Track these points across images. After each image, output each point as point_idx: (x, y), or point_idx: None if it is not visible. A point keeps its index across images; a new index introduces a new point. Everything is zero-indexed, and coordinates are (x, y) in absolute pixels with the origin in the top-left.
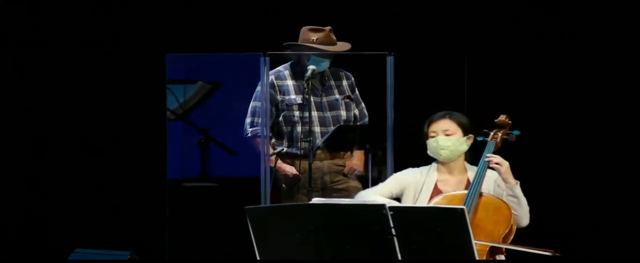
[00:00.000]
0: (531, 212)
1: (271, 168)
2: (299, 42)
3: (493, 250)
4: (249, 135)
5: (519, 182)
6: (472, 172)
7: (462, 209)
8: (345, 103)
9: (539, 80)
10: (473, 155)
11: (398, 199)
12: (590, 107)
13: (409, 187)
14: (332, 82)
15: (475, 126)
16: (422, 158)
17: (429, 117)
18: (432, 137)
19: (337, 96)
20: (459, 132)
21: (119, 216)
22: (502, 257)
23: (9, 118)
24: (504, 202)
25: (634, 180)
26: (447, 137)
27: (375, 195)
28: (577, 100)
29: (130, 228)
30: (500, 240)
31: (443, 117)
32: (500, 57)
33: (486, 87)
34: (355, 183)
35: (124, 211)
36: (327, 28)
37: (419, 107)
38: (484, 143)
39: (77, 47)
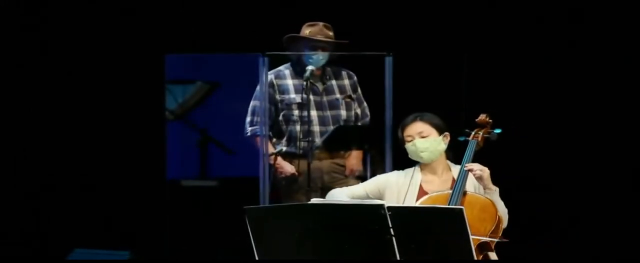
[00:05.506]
0: (518, 214)
1: (270, 167)
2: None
3: (482, 248)
4: (249, 134)
5: (498, 189)
6: (455, 170)
7: (461, 209)
8: (346, 102)
9: (538, 79)
10: (456, 155)
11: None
12: (590, 106)
13: (391, 189)
14: (333, 81)
15: (462, 125)
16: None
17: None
18: (409, 141)
19: (338, 95)
20: (433, 133)
21: (119, 216)
22: (493, 255)
23: (9, 118)
24: (489, 200)
25: (623, 177)
26: (423, 139)
27: (345, 196)
28: (576, 99)
29: (130, 228)
30: (487, 237)
31: (414, 120)
32: (500, 56)
33: (485, 86)
34: (354, 182)
35: (124, 211)
36: (321, 23)
37: (418, 107)
38: (466, 143)
39: (76, 47)
